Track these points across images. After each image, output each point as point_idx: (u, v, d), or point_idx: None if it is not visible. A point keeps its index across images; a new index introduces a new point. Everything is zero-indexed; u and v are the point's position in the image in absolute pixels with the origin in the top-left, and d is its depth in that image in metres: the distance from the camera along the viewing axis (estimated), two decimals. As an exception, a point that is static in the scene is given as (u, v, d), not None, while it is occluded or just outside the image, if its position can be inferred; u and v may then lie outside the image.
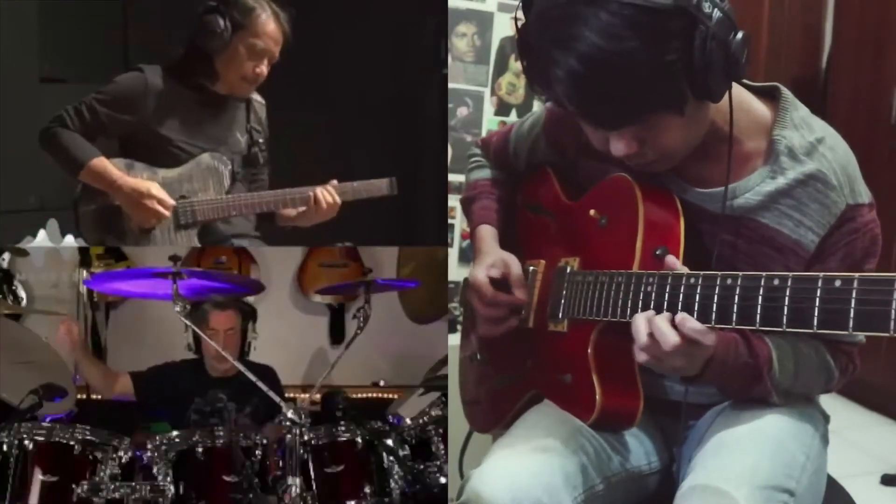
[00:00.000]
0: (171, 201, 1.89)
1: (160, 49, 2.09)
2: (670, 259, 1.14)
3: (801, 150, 1.20)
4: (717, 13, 1.04)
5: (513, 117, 2.60)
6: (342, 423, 1.91)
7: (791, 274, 0.96)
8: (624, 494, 1.31)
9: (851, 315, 0.89)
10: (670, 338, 1.08)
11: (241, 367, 1.72)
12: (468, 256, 1.43)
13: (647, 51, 1.02)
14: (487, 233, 1.53)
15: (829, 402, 1.39)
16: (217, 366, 2.26)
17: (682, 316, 1.08)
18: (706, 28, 1.03)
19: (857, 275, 0.90)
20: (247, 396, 2.13)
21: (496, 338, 1.46)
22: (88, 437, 1.76)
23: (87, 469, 1.74)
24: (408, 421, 2.04)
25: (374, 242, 2.73)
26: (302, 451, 1.68)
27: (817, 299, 0.92)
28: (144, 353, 2.51)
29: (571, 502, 1.21)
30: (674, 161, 1.21)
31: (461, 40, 2.56)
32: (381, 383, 2.83)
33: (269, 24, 1.92)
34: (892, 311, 0.86)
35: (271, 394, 1.67)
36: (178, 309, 1.68)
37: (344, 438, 1.88)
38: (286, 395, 2.41)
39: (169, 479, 1.77)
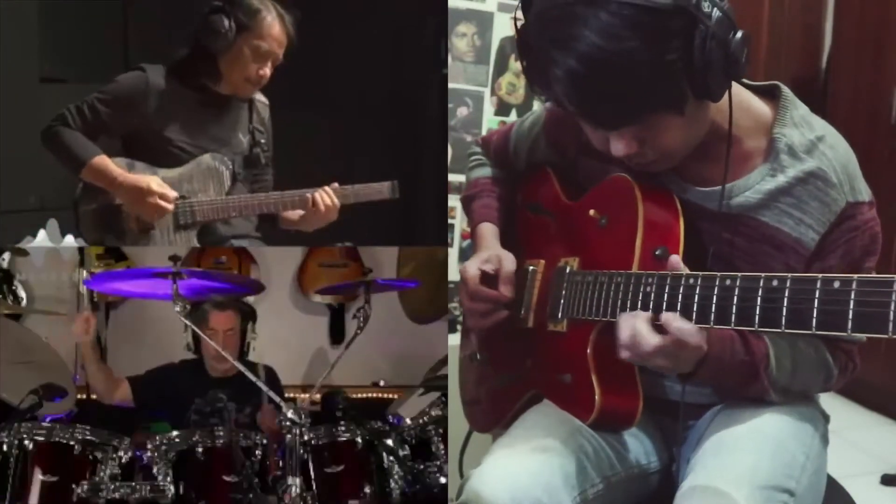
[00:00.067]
0: (174, 193, 1.89)
1: (161, 49, 2.08)
2: (674, 260, 1.13)
3: (801, 148, 1.20)
4: (716, 13, 1.04)
5: (513, 117, 2.60)
6: (342, 423, 1.91)
7: (790, 275, 0.96)
8: (623, 494, 1.31)
9: (850, 316, 0.89)
10: (649, 340, 1.09)
11: (241, 368, 1.72)
12: (468, 256, 1.42)
13: (646, 51, 1.02)
14: (488, 230, 1.53)
15: (829, 402, 1.39)
16: (217, 366, 2.26)
17: (668, 315, 1.08)
18: (706, 28, 1.03)
19: (855, 276, 0.89)
20: (247, 396, 2.14)
21: (496, 337, 1.46)
22: (88, 437, 1.76)
23: (87, 469, 1.74)
24: (408, 421, 2.04)
25: (374, 242, 2.73)
26: (302, 451, 1.68)
27: (816, 300, 0.92)
28: (144, 353, 2.51)
29: (571, 502, 1.20)
30: (674, 161, 1.21)
31: (461, 40, 2.56)
32: (381, 383, 2.83)
33: (274, 27, 1.92)
34: (891, 313, 0.85)
35: (271, 394, 1.67)
36: (177, 309, 1.68)
37: (344, 438, 1.88)
38: (286, 395, 2.41)
39: (169, 479, 1.78)
